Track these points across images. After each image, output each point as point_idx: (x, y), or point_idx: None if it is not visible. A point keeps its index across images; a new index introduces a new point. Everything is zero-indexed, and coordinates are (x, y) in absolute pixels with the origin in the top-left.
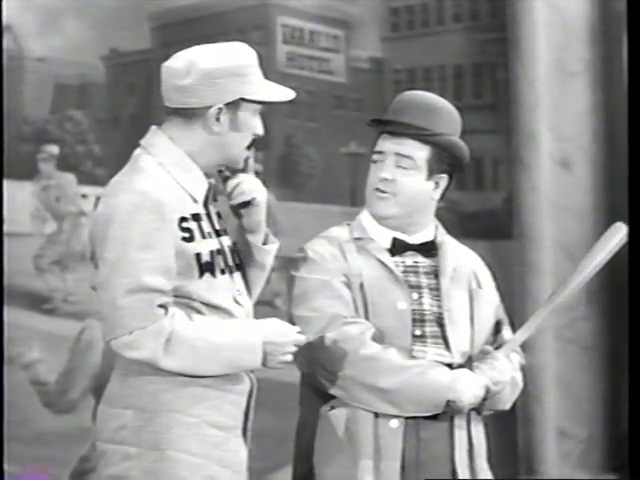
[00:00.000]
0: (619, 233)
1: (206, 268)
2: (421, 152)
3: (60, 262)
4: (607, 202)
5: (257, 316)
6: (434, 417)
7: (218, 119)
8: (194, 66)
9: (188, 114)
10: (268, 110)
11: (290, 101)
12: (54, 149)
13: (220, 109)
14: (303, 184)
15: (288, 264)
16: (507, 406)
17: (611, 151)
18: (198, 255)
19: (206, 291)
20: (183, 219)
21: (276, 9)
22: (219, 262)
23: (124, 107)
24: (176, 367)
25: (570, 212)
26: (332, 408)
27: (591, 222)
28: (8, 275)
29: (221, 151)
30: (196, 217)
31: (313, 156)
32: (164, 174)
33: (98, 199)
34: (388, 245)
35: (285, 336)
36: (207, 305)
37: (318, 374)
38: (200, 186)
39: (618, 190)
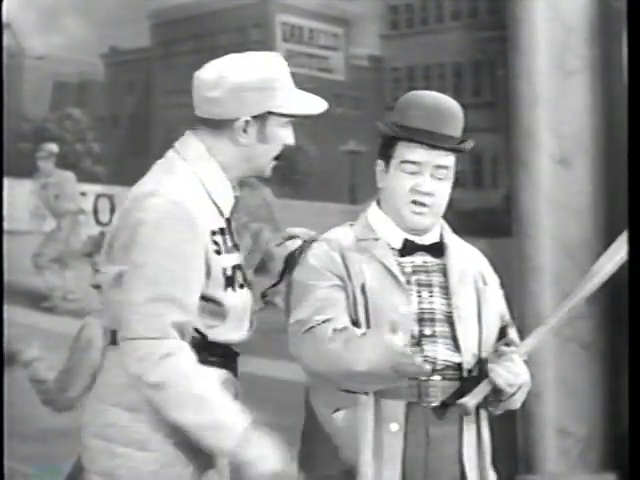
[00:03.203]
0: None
1: (229, 282)
2: (452, 160)
3: (59, 260)
4: (606, 200)
5: (259, 315)
6: (444, 416)
7: (245, 131)
8: (223, 79)
9: (216, 125)
10: None
11: None
12: (53, 147)
13: (247, 122)
14: (302, 182)
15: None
16: (518, 405)
17: (610, 149)
18: (224, 269)
19: (230, 304)
20: (214, 232)
21: (275, 7)
22: (238, 277)
23: (123, 105)
24: (156, 391)
25: (569, 210)
26: (336, 410)
27: (590, 220)
28: (7, 273)
29: (248, 162)
30: (222, 231)
31: (312, 154)
32: (196, 183)
33: (98, 197)
34: (399, 246)
35: None
36: (228, 317)
37: (309, 375)
38: (229, 200)
39: (617, 188)
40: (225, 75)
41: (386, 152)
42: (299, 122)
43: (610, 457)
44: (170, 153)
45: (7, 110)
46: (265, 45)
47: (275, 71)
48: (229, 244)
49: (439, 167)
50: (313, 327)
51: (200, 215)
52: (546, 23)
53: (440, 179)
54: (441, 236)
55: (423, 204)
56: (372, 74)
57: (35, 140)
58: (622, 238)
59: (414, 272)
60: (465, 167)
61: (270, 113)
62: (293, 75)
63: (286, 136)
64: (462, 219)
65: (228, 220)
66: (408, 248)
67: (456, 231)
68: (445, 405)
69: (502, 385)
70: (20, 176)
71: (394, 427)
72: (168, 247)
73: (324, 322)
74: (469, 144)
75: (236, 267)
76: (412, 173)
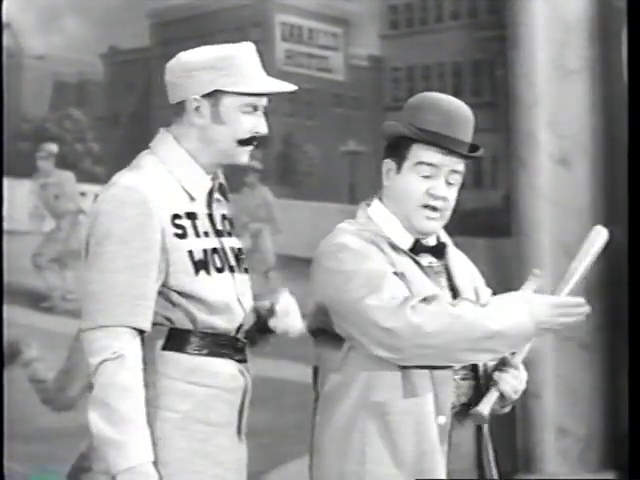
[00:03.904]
0: (600, 237)
1: (200, 266)
2: (463, 166)
3: (59, 260)
4: (605, 200)
5: None
6: (460, 415)
7: (198, 111)
8: (178, 62)
9: (178, 110)
10: (267, 108)
11: (289, 99)
12: (53, 147)
13: (197, 100)
14: (302, 182)
15: (288, 263)
16: (508, 409)
17: (610, 149)
18: (190, 252)
19: (204, 288)
20: (176, 216)
21: (275, 7)
22: (214, 261)
23: (123, 105)
24: (105, 389)
25: (569, 210)
26: (385, 403)
27: (590, 220)
28: (7, 273)
29: (211, 146)
30: (191, 215)
31: (312, 154)
32: (163, 172)
33: (98, 197)
34: (409, 246)
35: None
36: (204, 302)
37: (405, 356)
38: (200, 185)
39: (616, 188)
40: (180, 58)
41: (399, 152)
42: (299, 122)
43: (609, 457)
44: (143, 152)
45: (7, 110)
46: (264, 45)
47: (231, 51)
48: (203, 228)
49: (454, 172)
50: (415, 305)
51: (157, 199)
52: (546, 23)
53: (452, 184)
54: (438, 237)
55: (435, 208)
56: (371, 74)
57: (35, 140)
58: (595, 231)
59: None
60: (465, 167)
61: (223, 92)
62: (292, 75)
63: (255, 124)
64: (462, 219)
65: (209, 205)
66: (417, 249)
67: (456, 231)
68: (464, 405)
69: (509, 392)
70: (20, 176)
71: (441, 419)
72: (122, 234)
73: (424, 300)
74: (481, 152)
75: (213, 251)
76: (427, 176)
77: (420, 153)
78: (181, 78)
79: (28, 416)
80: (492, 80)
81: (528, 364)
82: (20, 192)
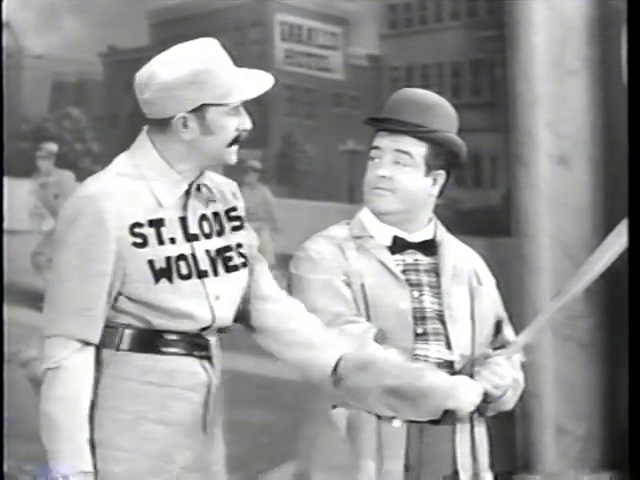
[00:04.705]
0: (624, 234)
1: (161, 275)
2: (419, 148)
3: None
4: (605, 199)
5: None
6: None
7: (186, 126)
8: (152, 79)
9: (160, 122)
10: (266, 107)
11: (288, 98)
12: (53, 147)
13: (184, 117)
14: (301, 181)
15: (288, 263)
16: (510, 407)
17: (609, 148)
18: (151, 262)
19: (163, 297)
20: (136, 225)
21: (274, 6)
22: (180, 268)
23: (122, 104)
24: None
25: (568, 209)
26: (334, 407)
27: (589, 219)
28: (7, 273)
29: (202, 154)
30: (155, 223)
31: (311, 153)
32: (135, 178)
33: None
34: (389, 243)
35: None
36: (164, 311)
37: None
38: (172, 190)
39: (617, 187)
40: (154, 75)
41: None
42: (298, 121)
43: (608, 456)
44: (122, 153)
45: (6, 110)
46: (264, 44)
47: (205, 61)
48: (169, 235)
49: (400, 152)
50: (346, 324)
51: (115, 209)
52: (545, 22)
53: (403, 165)
54: (434, 234)
55: (380, 187)
56: (371, 73)
57: (34, 140)
58: (615, 232)
59: (404, 271)
60: (464, 166)
61: (209, 104)
62: (292, 74)
63: (239, 122)
64: (461, 218)
65: (184, 207)
66: (398, 245)
67: (455, 230)
68: None
69: (488, 388)
70: (19, 176)
71: (397, 423)
72: (76, 243)
73: (352, 322)
74: (440, 134)
75: (179, 258)
76: (376, 159)
77: (374, 141)
78: (163, 98)
79: (28, 416)
80: (491, 80)
81: (527, 363)
82: (20, 191)
